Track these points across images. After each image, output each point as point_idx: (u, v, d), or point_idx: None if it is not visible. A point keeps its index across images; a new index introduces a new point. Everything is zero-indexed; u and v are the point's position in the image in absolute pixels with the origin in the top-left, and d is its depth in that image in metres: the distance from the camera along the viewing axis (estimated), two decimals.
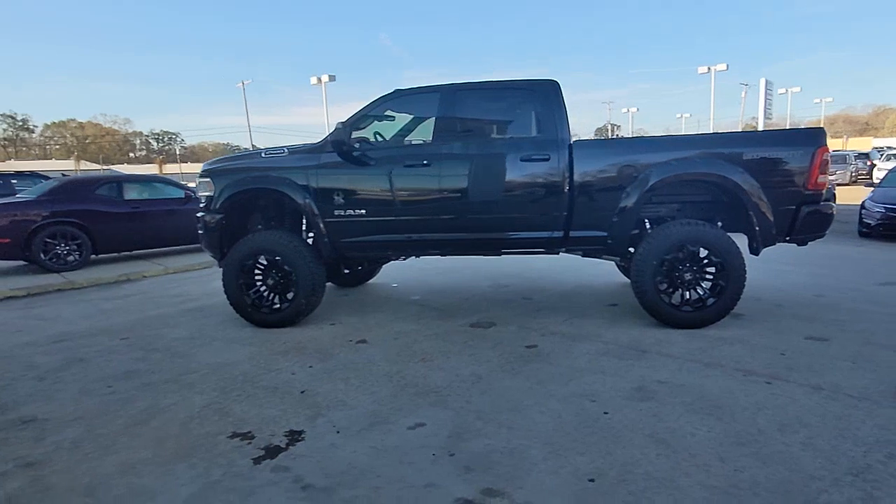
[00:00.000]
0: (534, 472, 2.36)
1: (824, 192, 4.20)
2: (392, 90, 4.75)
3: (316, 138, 5.23)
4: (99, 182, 8.64)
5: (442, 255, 4.93)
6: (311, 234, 4.97)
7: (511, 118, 4.79)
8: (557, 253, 4.68)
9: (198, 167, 6.66)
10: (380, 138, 4.89)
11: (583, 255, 4.72)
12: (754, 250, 4.34)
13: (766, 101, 38.81)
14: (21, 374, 3.86)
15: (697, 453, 2.46)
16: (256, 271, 4.75)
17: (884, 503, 2.08)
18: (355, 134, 4.63)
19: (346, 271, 5.57)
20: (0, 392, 3.52)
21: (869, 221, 8.97)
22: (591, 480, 2.29)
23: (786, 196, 4.16)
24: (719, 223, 4.40)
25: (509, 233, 4.50)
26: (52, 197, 8.04)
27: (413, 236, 4.59)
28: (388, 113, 4.89)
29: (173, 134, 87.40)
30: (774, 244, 4.30)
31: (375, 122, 4.92)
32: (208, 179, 4.89)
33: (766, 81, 38.72)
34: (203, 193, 4.97)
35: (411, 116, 4.99)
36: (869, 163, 24.63)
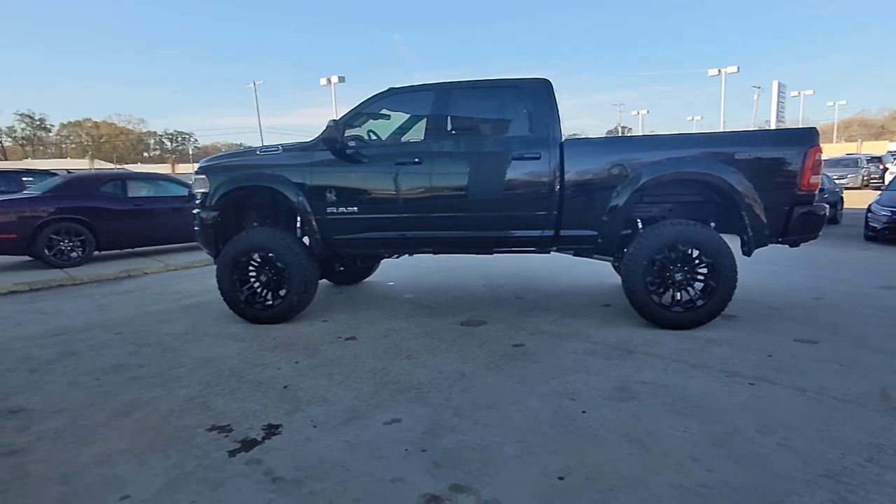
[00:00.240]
0: (503, 470, 2.35)
1: (817, 192, 4.15)
2: (386, 88, 4.78)
3: None
4: (103, 179, 8.74)
5: (434, 254, 4.94)
6: (305, 231, 5.01)
7: (503, 117, 4.78)
8: (548, 252, 4.66)
9: None
10: (374, 136, 4.91)
11: (574, 255, 4.70)
12: (746, 251, 4.29)
13: (778, 104, 38.48)
14: (15, 366, 3.92)
15: (671, 453, 2.44)
16: (250, 268, 4.79)
17: None
18: (349, 132, 4.65)
19: (341, 269, 5.59)
20: None
21: (875, 225, 8.84)
22: (561, 478, 2.27)
23: (778, 197, 4.11)
24: (712, 224, 4.36)
25: (500, 231, 4.49)
26: (58, 193, 8.15)
27: (404, 234, 4.59)
28: (384, 112, 4.91)
29: (187, 134, 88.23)
30: (767, 245, 4.25)
31: (370, 120, 4.94)
32: (204, 176, 4.95)
33: (779, 84, 38.40)
34: (199, 190, 5.02)
35: (407, 115, 5.00)
36: (882, 166, 24.16)
